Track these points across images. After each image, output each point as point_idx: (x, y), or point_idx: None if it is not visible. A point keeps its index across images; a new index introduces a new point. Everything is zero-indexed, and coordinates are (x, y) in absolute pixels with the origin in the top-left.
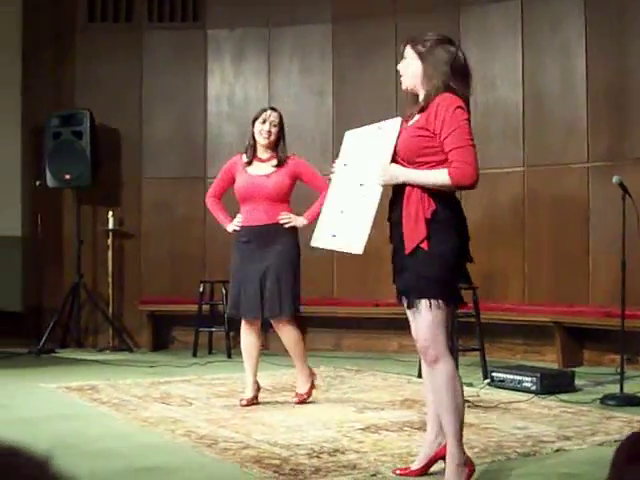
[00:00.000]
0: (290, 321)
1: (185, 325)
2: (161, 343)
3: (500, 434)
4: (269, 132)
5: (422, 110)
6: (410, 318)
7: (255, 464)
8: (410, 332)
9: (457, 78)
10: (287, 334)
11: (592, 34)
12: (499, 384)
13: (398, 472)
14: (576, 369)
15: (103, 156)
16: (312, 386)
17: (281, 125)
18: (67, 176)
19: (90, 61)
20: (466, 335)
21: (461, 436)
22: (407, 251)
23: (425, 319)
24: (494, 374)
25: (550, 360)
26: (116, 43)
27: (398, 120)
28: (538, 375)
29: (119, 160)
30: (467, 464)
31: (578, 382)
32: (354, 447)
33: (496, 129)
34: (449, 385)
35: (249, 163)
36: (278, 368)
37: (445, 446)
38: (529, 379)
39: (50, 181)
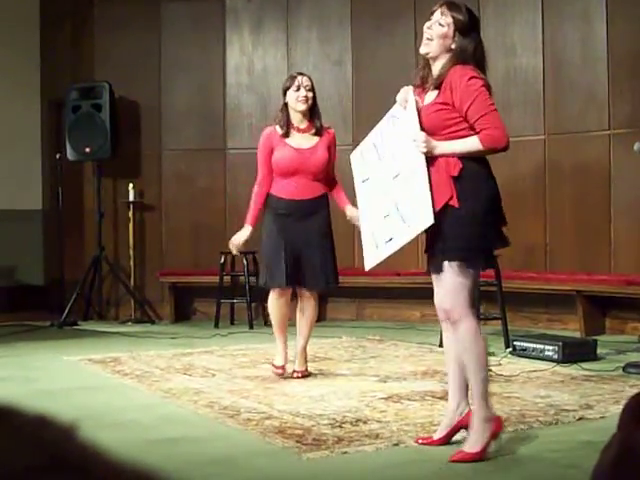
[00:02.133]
0: (318, 296)
1: (206, 296)
2: (183, 315)
3: (522, 403)
4: (306, 97)
5: (437, 87)
6: (435, 284)
7: (278, 434)
8: (432, 302)
9: (477, 62)
10: (314, 309)
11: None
12: (521, 353)
13: (420, 441)
14: (598, 337)
15: (123, 128)
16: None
17: (314, 89)
18: (87, 149)
19: (109, 33)
20: (488, 304)
21: (487, 395)
22: (436, 209)
23: (449, 281)
24: (516, 343)
25: (572, 329)
26: (134, 15)
27: (409, 91)
28: (560, 344)
29: (139, 132)
30: (494, 421)
31: (600, 351)
32: (376, 417)
33: (516, 97)
34: (472, 343)
35: (286, 135)
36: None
37: (467, 415)
38: (551, 348)
39: (70, 154)
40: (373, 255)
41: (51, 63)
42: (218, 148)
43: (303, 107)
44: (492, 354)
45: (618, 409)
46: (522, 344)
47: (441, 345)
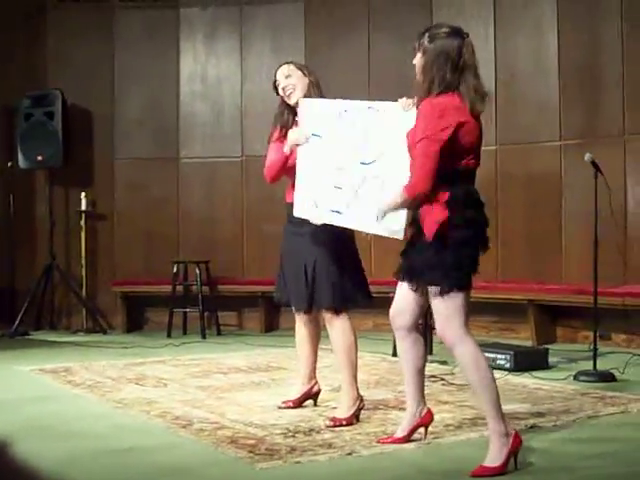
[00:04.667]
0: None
1: (159, 306)
2: (135, 324)
3: (474, 411)
4: (286, 88)
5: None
6: (397, 293)
7: (230, 444)
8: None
9: (459, 73)
10: (336, 334)
11: (564, 11)
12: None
13: (382, 441)
14: (550, 346)
15: (75, 137)
16: (355, 414)
17: (304, 73)
18: (39, 157)
19: (62, 41)
20: None
21: (499, 412)
22: (428, 237)
23: (439, 306)
24: None
25: (524, 337)
26: (88, 22)
27: (412, 116)
28: (512, 353)
29: (91, 141)
30: (511, 436)
31: (552, 359)
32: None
33: None
34: (473, 366)
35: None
36: (252, 348)
37: (425, 415)
38: (503, 357)
39: (22, 162)
40: (308, 211)
41: (3, 70)
42: (171, 157)
43: (291, 99)
44: (445, 363)
45: (569, 417)
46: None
47: (394, 355)
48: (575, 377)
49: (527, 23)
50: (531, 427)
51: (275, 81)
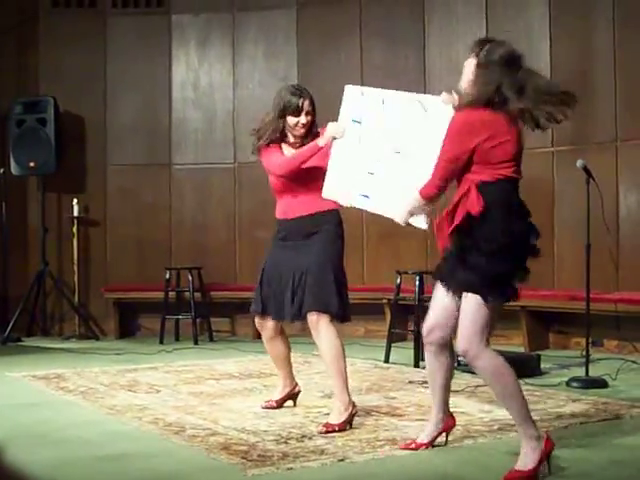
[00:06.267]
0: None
1: (151, 312)
2: (127, 330)
3: (467, 418)
4: (305, 124)
5: None
6: (434, 309)
7: (223, 451)
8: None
9: (508, 90)
10: (322, 341)
11: (556, 18)
12: (466, 368)
13: (405, 446)
14: (542, 352)
15: (67, 143)
16: (348, 421)
17: (314, 109)
18: (31, 163)
19: (54, 47)
20: None
21: (527, 417)
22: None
23: (466, 314)
24: (461, 358)
25: (516, 344)
26: (80, 29)
27: (449, 111)
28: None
29: (84, 147)
30: (543, 440)
31: (544, 365)
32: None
33: None
34: (493, 379)
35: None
36: (245, 354)
37: (447, 422)
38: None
39: (14, 169)
40: (340, 193)
41: None
42: (163, 163)
43: (301, 131)
44: None
45: (562, 423)
46: (454, 364)
47: (386, 361)
48: (567, 383)
49: (519, 30)
50: None
51: (292, 104)
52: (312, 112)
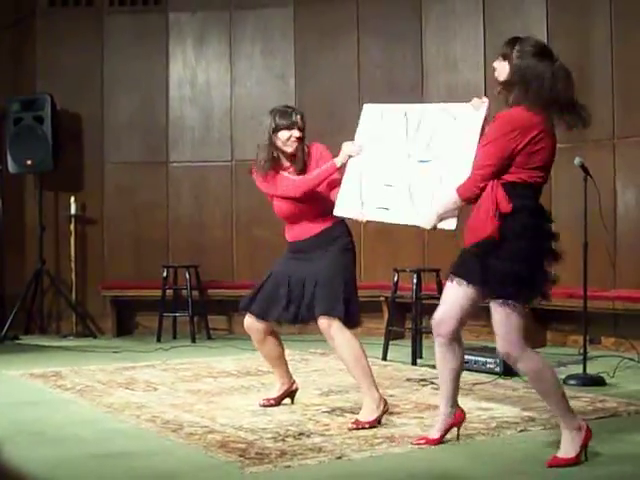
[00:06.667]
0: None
1: (149, 310)
2: (125, 328)
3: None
4: (298, 138)
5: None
6: (445, 302)
7: (220, 448)
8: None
9: (545, 94)
10: (336, 344)
11: (554, 15)
12: (462, 366)
13: (416, 442)
14: (540, 350)
15: (65, 141)
16: (379, 418)
17: (304, 129)
18: (28, 161)
19: (51, 45)
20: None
21: (567, 408)
22: (466, 243)
23: (499, 318)
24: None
25: None
26: (77, 27)
27: (480, 116)
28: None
29: (81, 145)
30: (583, 429)
31: None
32: (319, 430)
33: None
34: (535, 379)
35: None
36: (242, 352)
37: (457, 416)
38: (493, 360)
39: (11, 167)
40: (352, 209)
41: None
42: (160, 161)
43: (292, 149)
44: (434, 367)
45: (559, 421)
46: (463, 357)
47: (384, 358)
48: (565, 381)
49: (517, 28)
50: (521, 431)
51: (283, 122)
52: (303, 128)
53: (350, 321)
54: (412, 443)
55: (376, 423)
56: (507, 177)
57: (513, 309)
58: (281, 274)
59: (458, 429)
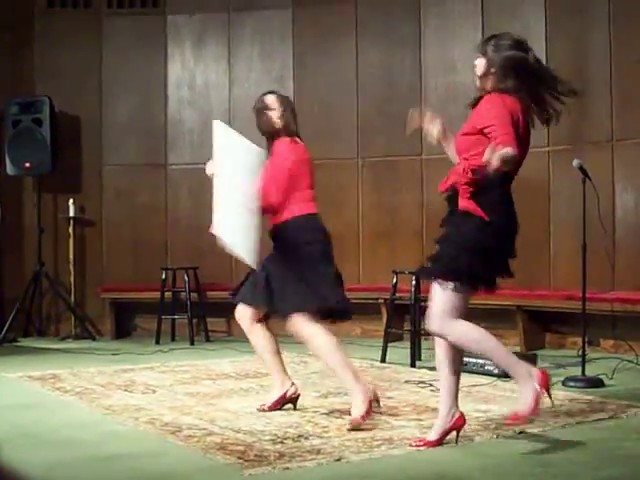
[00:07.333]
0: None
1: (147, 312)
2: (123, 331)
3: None
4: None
5: (473, 105)
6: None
7: (219, 451)
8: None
9: (521, 79)
10: (301, 336)
11: (552, 18)
12: (462, 367)
13: (414, 444)
14: (538, 352)
15: (63, 143)
16: (368, 409)
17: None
18: (27, 164)
19: (49, 47)
20: None
21: (510, 358)
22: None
23: (435, 299)
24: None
25: (512, 343)
26: (75, 29)
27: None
28: None
29: (79, 147)
30: (536, 375)
31: (540, 365)
32: (318, 432)
33: (457, 113)
34: (467, 344)
35: None
36: (241, 355)
37: (457, 419)
38: (491, 362)
39: (10, 169)
40: (226, 230)
41: None
42: (159, 163)
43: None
44: (434, 369)
45: (558, 423)
46: (463, 359)
47: (383, 360)
48: (564, 383)
49: (515, 30)
50: (520, 433)
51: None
52: (261, 112)
53: (306, 310)
54: (411, 445)
55: (367, 416)
56: (475, 161)
57: (449, 291)
58: (259, 266)
59: (457, 432)
